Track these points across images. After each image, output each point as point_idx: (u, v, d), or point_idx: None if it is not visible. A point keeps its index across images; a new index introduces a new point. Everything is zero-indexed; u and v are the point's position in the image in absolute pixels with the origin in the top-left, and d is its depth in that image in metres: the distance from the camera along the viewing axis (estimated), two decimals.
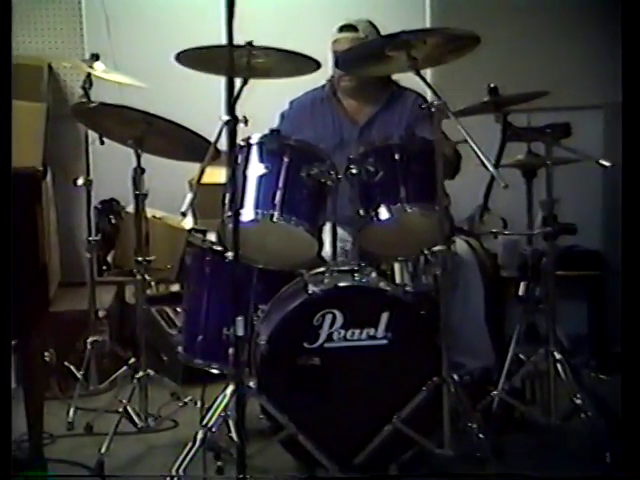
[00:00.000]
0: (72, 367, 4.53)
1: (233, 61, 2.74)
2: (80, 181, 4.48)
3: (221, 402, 3.42)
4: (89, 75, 4.31)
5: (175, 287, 4.75)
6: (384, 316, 3.47)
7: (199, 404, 3.67)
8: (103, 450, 3.61)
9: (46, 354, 4.51)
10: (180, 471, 3.26)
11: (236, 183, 3.17)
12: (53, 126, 5.16)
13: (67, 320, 4.56)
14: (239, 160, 3.49)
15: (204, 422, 3.38)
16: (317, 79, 4.27)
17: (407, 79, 3.80)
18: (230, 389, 3.39)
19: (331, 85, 4.33)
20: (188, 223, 3.63)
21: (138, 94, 4.23)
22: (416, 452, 3.44)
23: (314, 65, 3.65)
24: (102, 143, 4.22)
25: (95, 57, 4.39)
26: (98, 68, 4.34)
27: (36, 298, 3.35)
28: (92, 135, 4.35)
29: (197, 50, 3.50)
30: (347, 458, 3.39)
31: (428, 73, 3.65)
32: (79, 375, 4.45)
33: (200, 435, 3.33)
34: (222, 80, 2.85)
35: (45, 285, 3.43)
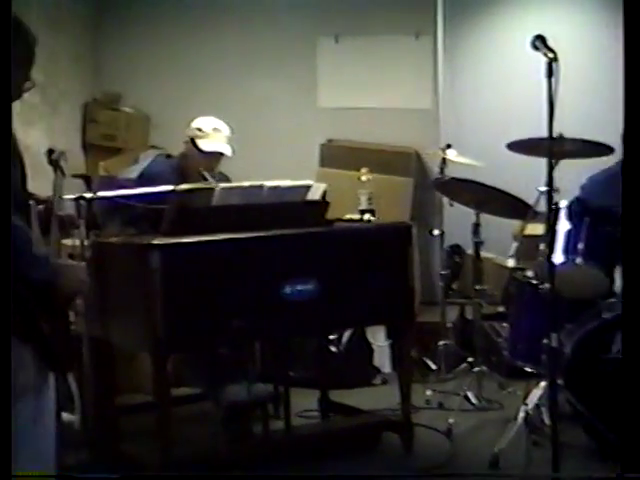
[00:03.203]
0: (429, 361, 4.64)
1: (552, 149, 2.74)
2: (436, 232, 4.60)
3: (536, 393, 3.40)
4: (444, 159, 4.43)
5: (500, 308, 4.73)
6: None
7: (519, 393, 3.63)
8: (451, 421, 3.66)
9: (412, 352, 4.68)
10: (506, 440, 3.25)
11: (551, 235, 3.13)
12: (418, 194, 5.33)
13: (426, 328, 4.61)
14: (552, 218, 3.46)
15: (525, 404, 3.36)
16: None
17: None
18: (543, 384, 3.35)
19: None
20: (511, 263, 3.64)
21: (477, 170, 4.28)
22: None
23: (607, 151, 3.56)
24: (451, 205, 4.34)
25: (448, 146, 4.50)
26: (450, 154, 4.45)
27: (407, 311, 3.47)
28: (445, 200, 4.46)
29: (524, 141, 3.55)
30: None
31: None
32: (433, 367, 4.55)
33: (521, 414, 3.32)
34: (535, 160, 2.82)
35: (412, 302, 3.55)
